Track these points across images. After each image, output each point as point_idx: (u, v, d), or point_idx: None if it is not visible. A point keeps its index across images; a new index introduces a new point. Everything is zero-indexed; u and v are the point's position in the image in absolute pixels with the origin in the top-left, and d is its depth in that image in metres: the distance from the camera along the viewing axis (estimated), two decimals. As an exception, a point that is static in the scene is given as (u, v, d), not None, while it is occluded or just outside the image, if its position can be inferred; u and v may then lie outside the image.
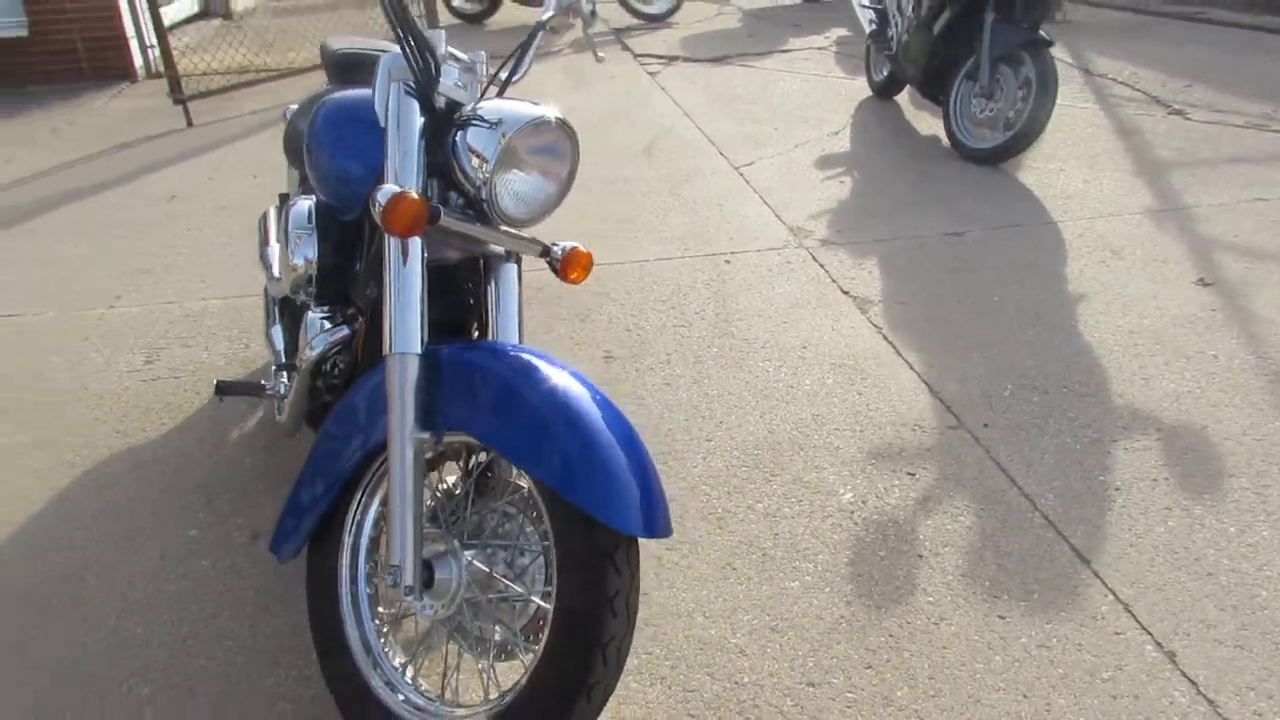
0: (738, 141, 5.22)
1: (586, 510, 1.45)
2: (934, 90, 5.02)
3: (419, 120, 1.70)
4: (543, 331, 3.21)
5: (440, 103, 1.74)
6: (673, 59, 7.46)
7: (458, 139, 1.69)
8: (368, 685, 1.67)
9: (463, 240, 1.73)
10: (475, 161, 1.66)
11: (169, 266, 3.83)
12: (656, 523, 1.51)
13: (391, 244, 1.63)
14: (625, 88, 6.57)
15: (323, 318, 1.98)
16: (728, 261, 3.72)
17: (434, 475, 1.75)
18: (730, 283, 3.53)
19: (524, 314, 1.83)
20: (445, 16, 9.18)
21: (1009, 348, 3.01)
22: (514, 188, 1.70)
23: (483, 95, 1.82)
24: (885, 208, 4.21)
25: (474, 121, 1.68)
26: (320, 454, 1.73)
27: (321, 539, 1.74)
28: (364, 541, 1.76)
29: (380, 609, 1.75)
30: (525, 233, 1.80)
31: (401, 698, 1.66)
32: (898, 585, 2.08)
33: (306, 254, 1.98)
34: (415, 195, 1.53)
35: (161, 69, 7.13)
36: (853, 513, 2.31)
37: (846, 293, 3.43)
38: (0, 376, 3.01)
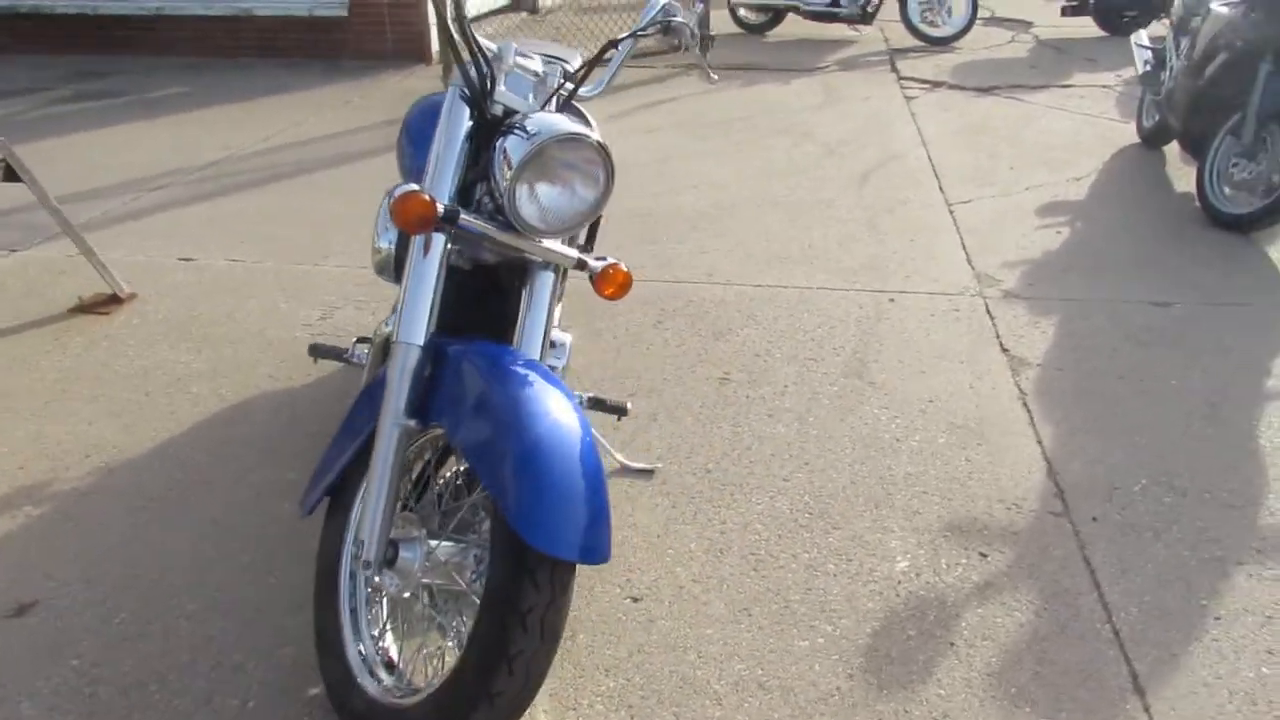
0: (964, 177, 4.95)
1: (512, 524, 1.48)
2: (1194, 143, 4.49)
3: (465, 124, 1.79)
4: (674, 344, 3.23)
5: (498, 110, 1.82)
6: (937, 84, 7.15)
7: (497, 145, 1.75)
8: (344, 648, 1.79)
9: (494, 244, 1.80)
10: (503, 168, 1.72)
11: (380, 235, 4.22)
12: (590, 550, 1.52)
13: (415, 239, 1.73)
14: (873, 110, 6.39)
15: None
16: (892, 300, 3.56)
17: (428, 466, 1.84)
18: (884, 322, 3.38)
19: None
20: (728, 25, 9.33)
21: (1162, 438, 2.67)
22: (538, 198, 1.73)
23: (544, 106, 1.88)
24: (1092, 265, 3.84)
25: (515, 130, 1.74)
26: (346, 424, 1.87)
27: (336, 505, 1.88)
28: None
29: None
30: (557, 245, 1.84)
31: (369, 668, 1.77)
32: (912, 670, 1.94)
33: (388, 239, 2.14)
34: (425, 195, 1.62)
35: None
36: (900, 583, 2.17)
37: (1005, 350, 3.18)
38: (203, 311, 3.47)
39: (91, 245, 3.54)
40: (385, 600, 1.84)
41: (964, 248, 4.04)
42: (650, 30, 2.04)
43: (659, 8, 2.05)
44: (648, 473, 2.57)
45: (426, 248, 1.73)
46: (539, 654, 1.53)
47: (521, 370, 1.67)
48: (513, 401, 1.59)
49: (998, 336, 3.28)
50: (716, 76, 2.35)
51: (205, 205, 4.60)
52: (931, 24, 8.74)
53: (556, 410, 1.61)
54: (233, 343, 3.24)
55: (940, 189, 4.78)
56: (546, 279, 1.88)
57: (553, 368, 2.32)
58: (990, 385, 2.97)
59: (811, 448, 2.67)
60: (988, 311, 3.46)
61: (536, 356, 1.84)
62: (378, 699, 1.69)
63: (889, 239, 4.14)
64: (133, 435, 2.73)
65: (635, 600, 2.13)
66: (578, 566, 1.57)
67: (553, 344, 2.33)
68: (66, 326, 3.37)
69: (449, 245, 1.75)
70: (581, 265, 1.88)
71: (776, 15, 9.36)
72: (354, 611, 1.83)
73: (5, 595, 2.13)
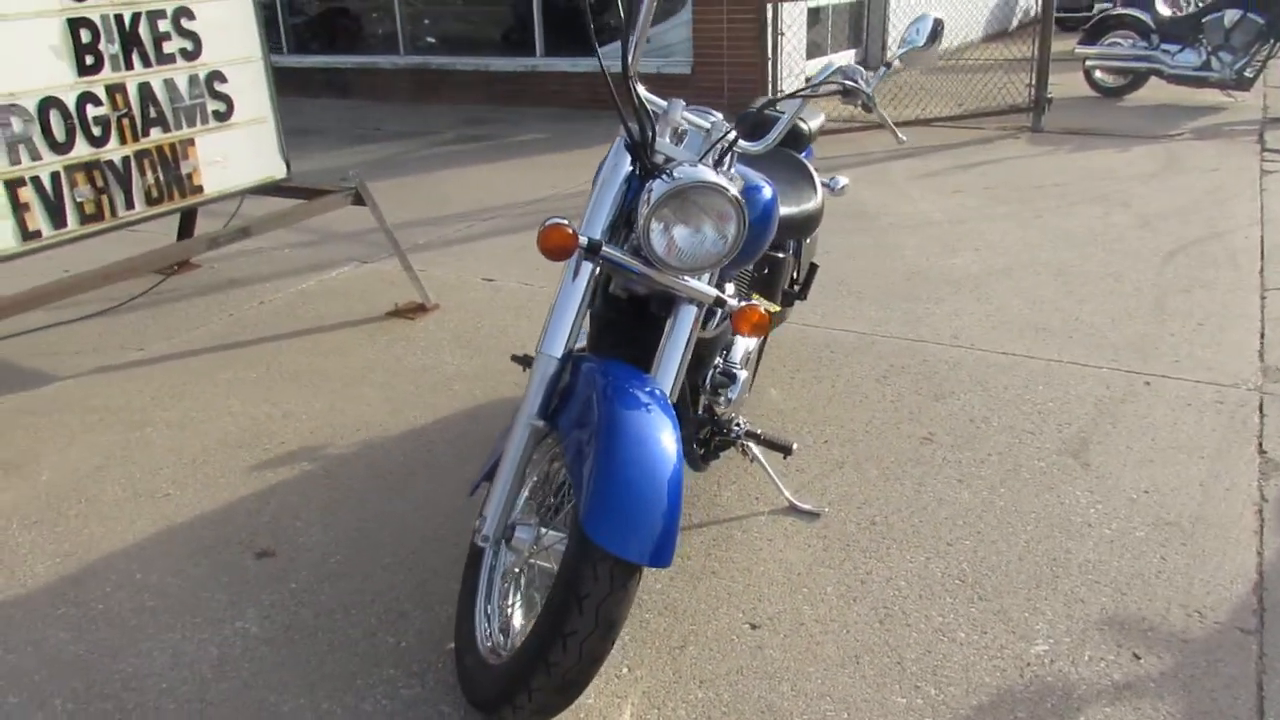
0: (1297, 261, 4.39)
1: (580, 517, 1.68)
2: None
3: (625, 169, 2.03)
4: (889, 399, 3.24)
5: (660, 159, 2.04)
6: (1312, 157, 6.33)
7: (647, 187, 1.97)
8: (475, 612, 2.08)
9: (638, 277, 2.02)
10: (644, 205, 1.92)
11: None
12: (653, 554, 1.69)
13: (568, 265, 1.99)
14: (1214, 183, 5.81)
15: None
16: (1148, 384, 3.29)
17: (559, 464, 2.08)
18: (1128, 405, 3.14)
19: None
20: (1080, 88, 8.86)
21: None
22: (672, 236, 1.92)
23: (703, 157, 2.07)
24: None
25: (664, 174, 1.95)
26: (511, 424, 2.17)
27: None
28: (521, 497, 2.17)
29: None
30: (696, 282, 2.01)
31: (488, 631, 2.04)
32: (1006, 749, 1.87)
33: None
34: (568, 227, 1.88)
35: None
36: (1029, 665, 2.07)
37: (1264, 452, 2.84)
38: (485, 324, 4.00)
39: (418, 263, 4.22)
40: (510, 575, 2.10)
41: (1261, 337, 3.62)
42: (824, 91, 2.16)
43: (833, 70, 2.17)
44: (813, 515, 2.63)
45: (575, 273, 1.98)
46: (593, 637, 1.71)
47: (634, 391, 1.87)
48: (612, 414, 1.80)
49: (1260, 436, 2.93)
50: (905, 138, 2.40)
51: (519, 235, 5.25)
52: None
53: (651, 429, 1.79)
54: (498, 353, 3.72)
55: (1260, 273, 4.28)
56: (688, 314, 2.05)
57: (727, 399, 2.49)
58: (1226, 485, 2.68)
59: (990, 518, 2.59)
60: (1260, 409, 3.09)
61: (669, 384, 2.02)
62: (484, 656, 1.96)
63: (1172, 320, 3.80)
64: (397, 419, 3.25)
65: (754, 627, 2.23)
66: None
67: (731, 376, 2.51)
68: (380, 326, 4.04)
69: (596, 273, 1.99)
70: (720, 303, 2.04)
71: (1136, 79, 8.73)
72: (489, 582, 2.11)
73: (267, 526, 2.67)
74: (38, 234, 3.41)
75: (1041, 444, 2.94)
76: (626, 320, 2.20)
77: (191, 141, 3.88)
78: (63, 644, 2.25)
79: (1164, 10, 8.41)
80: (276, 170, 4.21)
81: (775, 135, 2.16)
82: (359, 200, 4.19)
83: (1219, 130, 7.26)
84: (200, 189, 3.94)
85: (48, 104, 3.38)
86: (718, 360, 2.54)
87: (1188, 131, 7.23)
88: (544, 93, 9.14)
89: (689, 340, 2.06)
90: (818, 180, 3.01)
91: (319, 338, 3.95)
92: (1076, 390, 3.26)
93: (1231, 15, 7.90)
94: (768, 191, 2.36)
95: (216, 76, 3.92)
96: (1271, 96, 8.15)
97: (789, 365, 3.53)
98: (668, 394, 2.01)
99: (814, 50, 9.41)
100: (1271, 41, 7.81)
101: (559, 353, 1.96)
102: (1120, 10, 8.91)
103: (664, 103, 2.10)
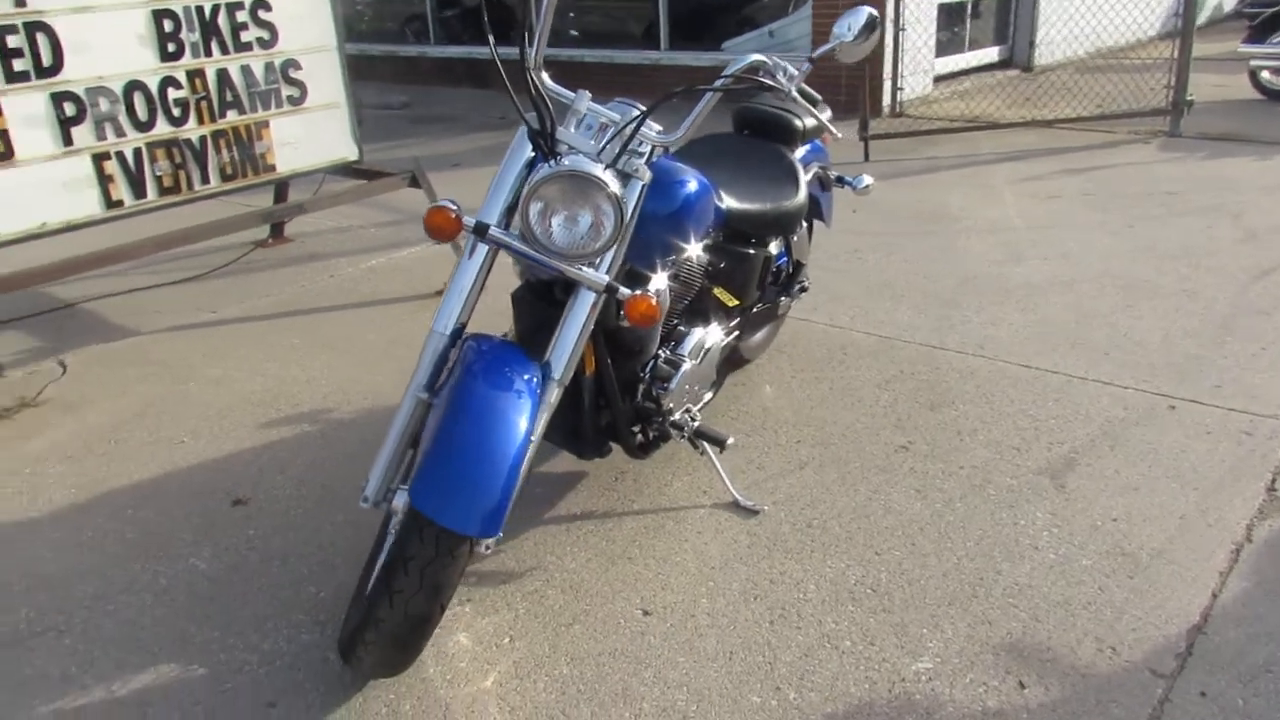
0: None
1: (410, 484, 1.78)
2: None
3: (524, 157, 2.10)
4: (882, 405, 3.16)
5: (563, 149, 2.10)
6: None
7: (535, 169, 2.03)
8: (374, 559, 2.20)
9: (529, 261, 2.08)
10: (526, 186, 1.99)
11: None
12: (477, 524, 1.76)
13: (466, 245, 2.09)
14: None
15: None
16: (1172, 408, 3.06)
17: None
18: (1138, 429, 2.94)
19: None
20: (1247, 91, 8.15)
21: (1387, 634, 2.05)
22: (549, 220, 1.98)
23: (603, 148, 2.10)
24: None
25: (549, 162, 2.01)
26: None
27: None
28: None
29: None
30: (585, 269, 2.06)
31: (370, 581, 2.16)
32: (841, 760, 1.83)
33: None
34: (450, 210, 1.97)
35: (902, 108, 7.93)
36: (902, 681, 2.02)
37: (1272, 491, 2.61)
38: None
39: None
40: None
41: (1327, 367, 3.29)
42: (736, 86, 2.15)
43: (746, 62, 2.15)
44: (751, 512, 2.62)
45: (471, 253, 2.08)
46: (417, 598, 1.80)
47: (502, 369, 1.94)
48: (462, 388, 1.88)
49: (1276, 472, 2.69)
50: (839, 135, 2.34)
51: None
52: None
53: (502, 405, 1.86)
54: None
55: (1363, 297, 3.87)
56: (585, 299, 2.09)
57: (664, 389, 2.51)
58: (1210, 521, 2.48)
59: (933, 531, 2.50)
60: (1289, 441, 2.83)
61: (560, 366, 2.07)
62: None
63: (1232, 343, 3.50)
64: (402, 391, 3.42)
65: (646, 613, 2.26)
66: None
67: (674, 365, 2.53)
68: (425, 304, 4.25)
69: (489, 255, 2.08)
70: (611, 290, 2.07)
71: (1313, 81, 7.95)
72: (382, 540, 2.22)
73: (253, 477, 2.90)
74: (120, 203, 3.79)
75: (1021, 462, 2.80)
76: (541, 305, 2.27)
77: (266, 124, 4.20)
78: (44, 561, 2.53)
79: (1348, 6, 7.62)
80: (349, 152, 4.49)
81: (684, 129, 2.16)
82: (414, 183, 4.42)
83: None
84: (273, 168, 4.26)
85: (132, 87, 3.74)
86: (662, 350, 2.56)
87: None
88: (665, 84, 9.20)
89: (585, 324, 2.10)
90: (802, 178, 2.96)
91: (368, 311, 4.20)
92: (1088, 409, 3.08)
93: None
94: (694, 185, 2.37)
95: (291, 64, 4.22)
96: None
97: (795, 364, 3.49)
98: (557, 377, 2.06)
99: (950, 47, 9.06)
100: None
101: (448, 329, 2.06)
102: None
103: (571, 94, 2.15)
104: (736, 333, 2.93)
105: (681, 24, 9.24)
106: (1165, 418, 3.01)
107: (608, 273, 2.09)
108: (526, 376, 1.99)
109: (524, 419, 1.87)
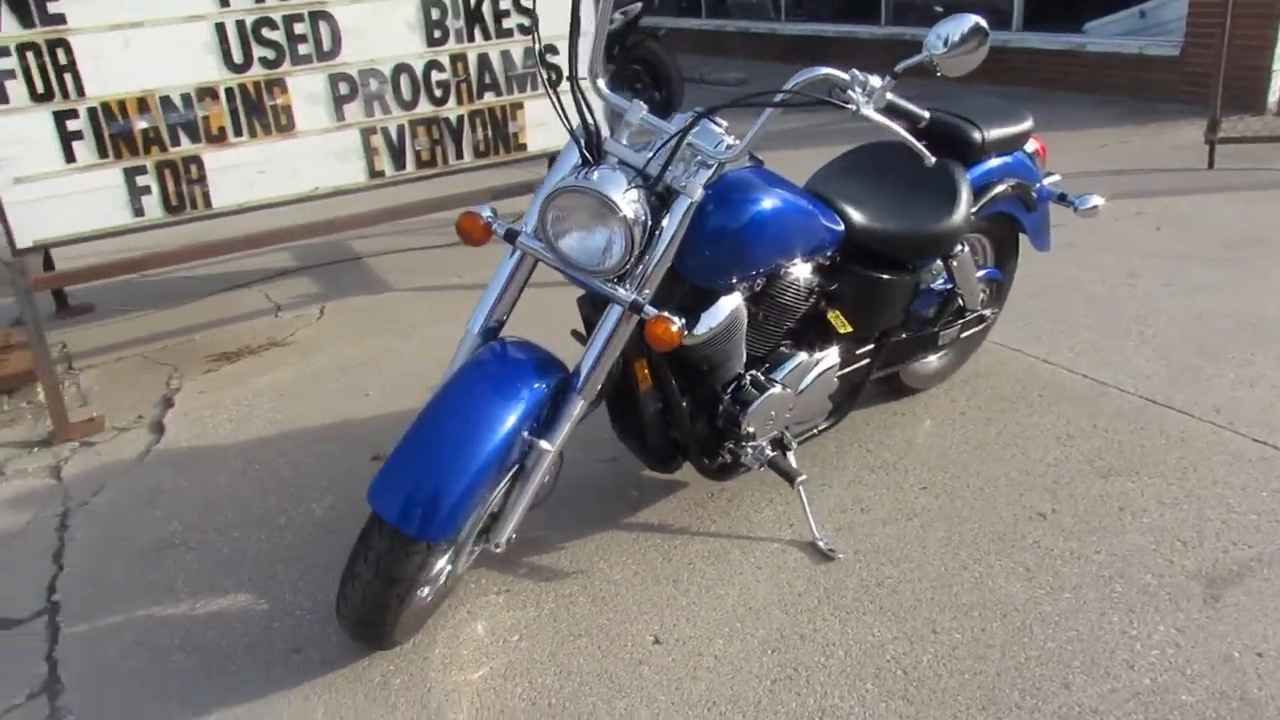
0: None
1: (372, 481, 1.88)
2: None
3: (569, 164, 2.08)
4: (1049, 460, 2.73)
5: (611, 161, 2.05)
6: None
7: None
8: None
9: (561, 269, 2.08)
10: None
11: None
12: (418, 526, 1.83)
13: (506, 249, 2.13)
14: None
15: None
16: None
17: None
18: (1156, 448, 2.31)
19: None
20: None
21: None
22: (567, 230, 1.97)
23: (649, 160, 2.02)
24: None
25: (579, 174, 1.98)
26: None
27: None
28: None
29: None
30: (610, 285, 2.01)
31: None
32: None
33: None
34: (479, 217, 2.02)
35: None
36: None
37: None
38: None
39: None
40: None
41: None
42: (798, 100, 1.95)
43: (814, 74, 1.94)
44: (827, 557, 2.42)
45: (511, 255, 2.12)
46: (374, 585, 1.90)
47: (510, 374, 1.99)
48: (455, 390, 1.94)
49: None
50: (932, 159, 2.04)
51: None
52: None
53: (481, 411, 1.90)
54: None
55: None
56: (614, 313, 2.05)
57: (746, 411, 2.38)
58: None
59: (1015, 620, 2.15)
60: None
61: (583, 379, 2.06)
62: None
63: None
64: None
65: (656, 642, 2.19)
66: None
67: (760, 388, 2.41)
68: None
69: (526, 260, 2.11)
70: (636, 308, 2.00)
71: None
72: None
73: (399, 436, 3.17)
74: (381, 174, 4.24)
75: (1179, 559, 2.30)
76: (594, 314, 2.25)
77: (520, 105, 4.47)
78: (215, 484, 2.96)
79: None
80: (600, 134, 4.65)
81: (744, 144, 2.02)
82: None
83: None
84: (524, 147, 4.53)
85: (400, 69, 4.17)
86: (753, 372, 2.43)
87: None
88: (1012, 71, 8.40)
89: (610, 339, 2.06)
90: (964, 196, 2.62)
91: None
92: (1092, 424, 2.50)
93: None
94: (772, 202, 2.20)
95: (550, 49, 4.44)
96: None
97: (975, 399, 3.12)
98: (579, 388, 2.05)
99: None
100: None
101: (477, 329, 2.13)
102: None
103: (627, 104, 2.09)
104: (866, 361, 2.69)
105: (1039, 3, 8.39)
106: (1176, 439, 2.32)
107: (637, 289, 2.02)
108: (537, 383, 1.99)
109: (510, 422, 1.90)
